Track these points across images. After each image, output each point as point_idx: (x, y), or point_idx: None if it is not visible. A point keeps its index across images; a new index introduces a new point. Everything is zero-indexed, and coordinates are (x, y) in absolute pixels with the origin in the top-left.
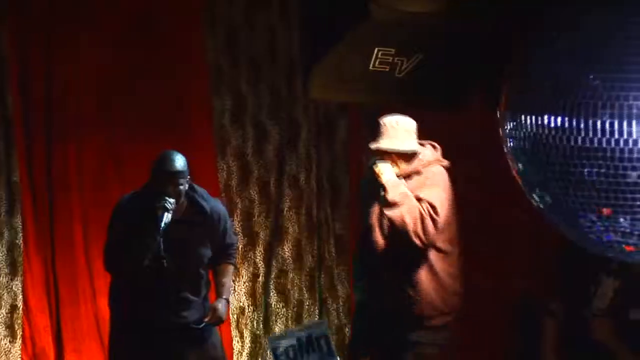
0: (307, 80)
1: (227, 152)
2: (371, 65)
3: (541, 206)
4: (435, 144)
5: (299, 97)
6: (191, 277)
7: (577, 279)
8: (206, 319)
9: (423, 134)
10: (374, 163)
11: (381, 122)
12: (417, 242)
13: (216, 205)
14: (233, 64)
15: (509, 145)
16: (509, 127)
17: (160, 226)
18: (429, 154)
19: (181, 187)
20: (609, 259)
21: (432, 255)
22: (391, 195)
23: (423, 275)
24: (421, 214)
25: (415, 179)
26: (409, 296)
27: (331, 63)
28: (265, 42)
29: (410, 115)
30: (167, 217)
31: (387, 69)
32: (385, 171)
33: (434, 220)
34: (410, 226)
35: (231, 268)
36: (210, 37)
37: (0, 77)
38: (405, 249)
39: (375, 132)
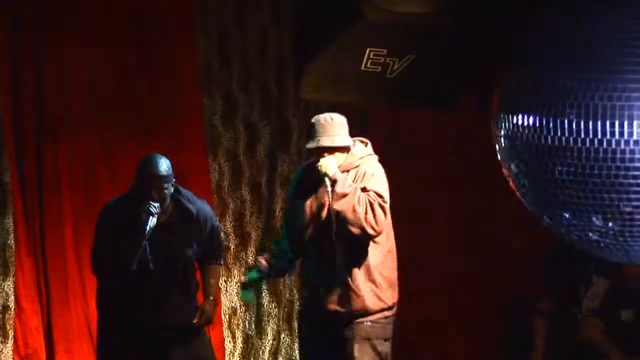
0: (298, 81)
1: (219, 153)
2: (363, 65)
3: (532, 206)
4: (365, 140)
5: (291, 97)
6: (179, 279)
7: (567, 279)
8: (195, 320)
9: (415, 134)
10: (315, 160)
11: (314, 120)
12: (371, 231)
13: (202, 207)
14: (224, 64)
15: (500, 145)
16: (500, 127)
17: (145, 230)
18: (361, 149)
19: (165, 191)
20: (599, 259)
21: (369, 247)
22: (340, 188)
23: (359, 269)
24: (371, 203)
25: (352, 172)
26: (346, 291)
27: (323, 63)
28: (256, 42)
29: (403, 115)
30: (152, 221)
31: (378, 70)
32: (332, 165)
33: (383, 208)
34: (362, 215)
35: (219, 269)
36: (201, 38)
37: None
38: (345, 243)
39: (309, 131)
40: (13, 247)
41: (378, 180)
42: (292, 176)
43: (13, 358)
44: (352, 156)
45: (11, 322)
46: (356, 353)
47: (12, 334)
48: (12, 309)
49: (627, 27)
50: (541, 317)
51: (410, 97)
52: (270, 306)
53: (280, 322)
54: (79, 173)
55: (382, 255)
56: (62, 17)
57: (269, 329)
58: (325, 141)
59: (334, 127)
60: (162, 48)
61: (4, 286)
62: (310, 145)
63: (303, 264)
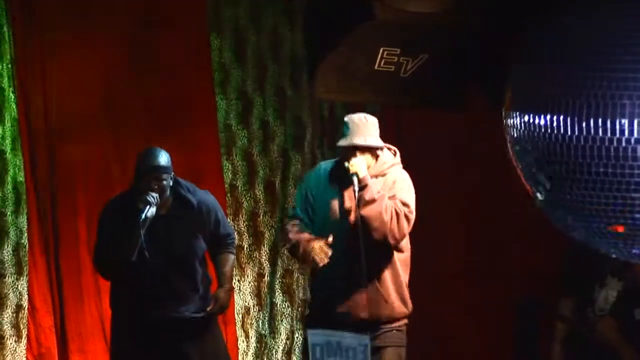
0: (312, 80)
1: (233, 152)
2: (376, 65)
3: (545, 205)
4: (394, 148)
5: (304, 97)
6: (185, 271)
7: (582, 280)
8: (209, 308)
9: (427, 134)
10: (346, 160)
11: (348, 119)
12: (392, 240)
13: (204, 197)
14: (238, 64)
15: (512, 144)
16: (511, 126)
17: (139, 221)
18: (390, 157)
19: (164, 182)
20: (613, 259)
21: (394, 255)
22: (369, 194)
23: (386, 274)
24: (397, 212)
25: (380, 180)
26: (375, 297)
27: (336, 63)
28: (270, 42)
29: (415, 115)
30: (150, 211)
31: (392, 69)
32: (363, 167)
33: (408, 219)
34: (387, 224)
35: (231, 257)
36: (215, 37)
37: (5, 77)
38: (371, 249)
39: (344, 129)
40: (27, 246)
41: (406, 189)
42: (309, 172)
43: (27, 357)
44: (381, 163)
45: (25, 321)
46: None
47: (26, 333)
48: (26, 308)
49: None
50: (562, 321)
51: (424, 96)
52: (284, 305)
53: (294, 322)
54: (92, 172)
55: (405, 259)
56: (76, 16)
57: (282, 328)
58: (358, 140)
59: (368, 127)
60: (176, 48)
61: (17, 285)
62: (343, 143)
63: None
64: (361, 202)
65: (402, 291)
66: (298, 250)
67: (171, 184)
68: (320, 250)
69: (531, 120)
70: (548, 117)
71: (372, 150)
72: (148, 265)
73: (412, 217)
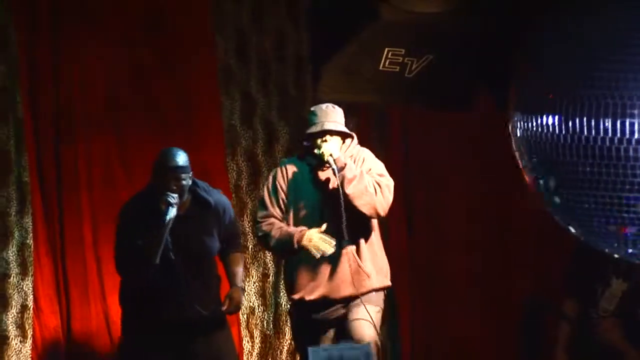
0: (316, 81)
1: (237, 152)
2: (381, 65)
3: (550, 205)
4: (352, 133)
5: (309, 97)
6: (201, 271)
7: (586, 280)
8: (224, 308)
9: (432, 134)
10: (316, 147)
11: (316, 107)
12: (381, 212)
13: (219, 197)
14: (242, 64)
15: (517, 144)
16: (517, 127)
17: (165, 221)
18: (352, 140)
19: (184, 182)
20: (618, 260)
21: (372, 233)
22: (350, 172)
23: (367, 253)
24: (378, 184)
25: (350, 160)
26: (358, 275)
27: (341, 63)
28: (274, 42)
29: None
30: (171, 211)
31: (397, 69)
32: (337, 150)
33: (388, 187)
34: (374, 197)
35: (241, 256)
36: (219, 37)
37: (9, 77)
38: (353, 229)
39: (312, 117)
40: (32, 246)
41: (375, 161)
42: (274, 171)
43: (32, 357)
44: (347, 146)
45: (30, 321)
46: (364, 315)
47: (31, 333)
48: (31, 309)
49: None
50: (566, 321)
51: (429, 97)
52: (288, 305)
53: None
54: (97, 173)
55: (378, 235)
56: (80, 17)
57: (286, 328)
58: (330, 125)
59: (337, 114)
60: (180, 48)
61: (22, 286)
62: (315, 128)
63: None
64: (345, 182)
65: (383, 265)
66: (290, 245)
67: (190, 183)
68: (323, 240)
69: (535, 121)
70: (551, 117)
71: (341, 136)
72: (166, 264)
73: (392, 182)
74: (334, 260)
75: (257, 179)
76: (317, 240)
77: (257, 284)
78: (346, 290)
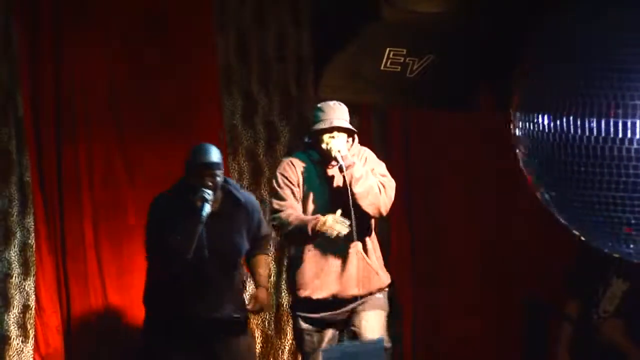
0: (317, 80)
1: (239, 152)
2: (382, 65)
3: (552, 205)
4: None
5: (310, 97)
6: (230, 269)
7: (588, 281)
8: (249, 307)
9: (433, 134)
10: (323, 142)
11: (323, 104)
12: (384, 212)
13: (249, 196)
14: (243, 64)
15: (519, 144)
16: (519, 127)
17: (201, 217)
18: (352, 139)
19: (218, 178)
20: (618, 260)
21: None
22: (358, 170)
23: (372, 249)
24: (382, 184)
25: (354, 157)
26: (368, 273)
27: (342, 63)
28: (275, 42)
29: (422, 115)
30: (207, 207)
31: (398, 69)
32: (344, 147)
33: (391, 187)
34: (379, 197)
35: (267, 259)
36: (220, 37)
37: (10, 77)
38: (361, 226)
39: (318, 114)
40: (33, 246)
41: (377, 161)
42: (287, 163)
43: (33, 357)
44: (351, 144)
45: (32, 321)
46: (373, 321)
47: (33, 333)
48: (33, 308)
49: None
50: (568, 322)
51: (430, 97)
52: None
53: None
54: (98, 172)
55: (375, 234)
56: (81, 16)
57: (288, 328)
58: (339, 122)
59: (343, 111)
60: (182, 48)
61: (24, 285)
62: (323, 125)
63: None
64: (353, 180)
65: (382, 263)
66: (306, 230)
67: (222, 180)
68: (336, 221)
69: (537, 121)
70: (553, 117)
71: (348, 134)
72: (197, 261)
73: (394, 183)
74: (343, 258)
75: (258, 178)
76: (332, 222)
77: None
78: (355, 289)
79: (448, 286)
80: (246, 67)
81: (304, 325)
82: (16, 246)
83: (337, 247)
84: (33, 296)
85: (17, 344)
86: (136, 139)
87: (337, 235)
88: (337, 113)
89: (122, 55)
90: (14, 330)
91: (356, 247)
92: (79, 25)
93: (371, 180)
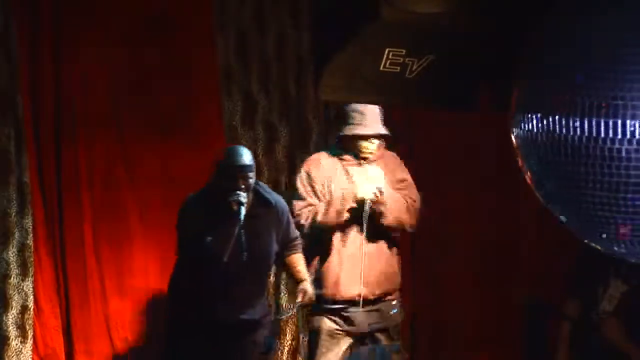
0: (317, 81)
1: None
2: (382, 66)
3: (551, 206)
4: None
5: (310, 98)
6: (259, 273)
7: (587, 281)
8: (299, 300)
9: (434, 135)
10: (358, 148)
11: (364, 107)
12: (409, 229)
13: (279, 198)
14: (243, 65)
15: (518, 144)
16: (519, 127)
17: (240, 220)
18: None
19: (251, 180)
20: (618, 260)
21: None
22: (391, 202)
23: (394, 249)
24: (409, 206)
25: (380, 162)
26: (386, 271)
27: (341, 64)
28: (275, 43)
29: (422, 115)
30: (243, 210)
31: (397, 70)
32: (382, 180)
33: (418, 204)
34: (406, 220)
35: (302, 257)
36: (220, 38)
37: (10, 77)
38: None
39: (356, 116)
40: (32, 247)
41: (407, 174)
42: (316, 159)
43: (32, 358)
44: (378, 148)
45: (30, 322)
46: (395, 336)
47: (32, 333)
48: (31, 309)
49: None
50: (567, 322)
51: (430, 97)
52: (289, 306)
53: (299, 323)
54: (98, 173)
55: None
56: (81, 17)
57: (287, 329)
58: (382, 130)
59: (379, 116)
60: (182, 47)
61: (23, 286)
62: (365, 130)
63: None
64: (386, 194)
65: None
66: (327, 219)
67: (254, 182)
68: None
69: (536, 121)
70: (552, 117)
71: (386, 139)
72: (237, 264)
73: (414, 190)
74: (367, 258)
75: (258, 178)
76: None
77: None
78: (380, 289)
79: (448, 286)
80: (246, 67)
81: (326, 325)
82: (14, 247)
83: (361, 247)
84: (31, 297)
85: (16, 344)
86: (136, 139)
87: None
88: (377, 118)
89: (122, 56)
90: (12, 331)
91: (380, 246)
92: (78, 25)
93: (400, 198)
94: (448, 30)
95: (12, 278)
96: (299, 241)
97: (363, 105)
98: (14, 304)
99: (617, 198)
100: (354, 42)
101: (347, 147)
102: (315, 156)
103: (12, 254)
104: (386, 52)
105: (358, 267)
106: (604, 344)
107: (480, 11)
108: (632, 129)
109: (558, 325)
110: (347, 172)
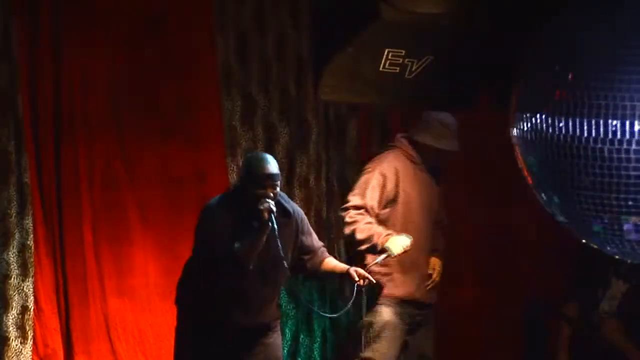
0: (317, 81)
1: (238, 153)
2: (381, 66)
3: (551, 207)
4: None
5: (309, 98)
6: (277, 279)
7: (587, 282)
8: (359, 282)
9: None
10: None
11: (449, 121)
12: None
13: (296, 207)
14: (243, 65)
15: (518, 145)
16: (519, 128)
17: (275, 229)
18: None
19: (277, 189)
20: (618, 261)
21: None
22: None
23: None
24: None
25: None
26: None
27: (341, 64)
28: (275, 43)
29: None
30: (273, 218)
31: (397, 70)
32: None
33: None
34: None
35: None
36: (220, 38)
37: (10, 77)
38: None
39: (444, 130)
40: (32, 247)
41: None
42: (391, 164)
43: (32, 358)
44: None
45: (30, 322)
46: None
47: (32, 334)
48: (31, 310)
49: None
50: (567, 323)
51: (429, 97)
52: (289, 307)
53: (299, 323)
54: (98, 173)
55: None
56: (81, 17)
57: (287, 330)
58: (456, 145)
59: (456, 131)
60: (182, 48)
61: (23, 287)
62: (448, 147)
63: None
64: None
65: None
66: (374, 242)
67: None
68: (402, 245)
69: (535, 121)
70: (551, 117)
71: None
72: (251, 271)
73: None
74: (424, 265)
75: None
76: (398, 244)
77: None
78: (431, 297)
79: (449, 286)
80: (246, 68)
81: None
82: (15, 247)
83: (425, 255)
84: (32, 297)
85: (16, 345)
86: (136, 139)
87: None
88: (454, 133)
89: (121, 56)
90: (12, 332)
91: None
92: (78, 26)
93: None
94: (447, 30)
95: (12, 279)
96: (325, 247)
97: (448, 116)
98: (14, 305)
99: (624, 199)
100: (354, 42)
101: (424, 154)
102: (390, 157)
103: (12, 255)
104: (386, 52)
105: (415, 271)
106: (604, 344)
107: (479, 12)
108: (633, 129)
109: (558, 326)
110: (417, 175)
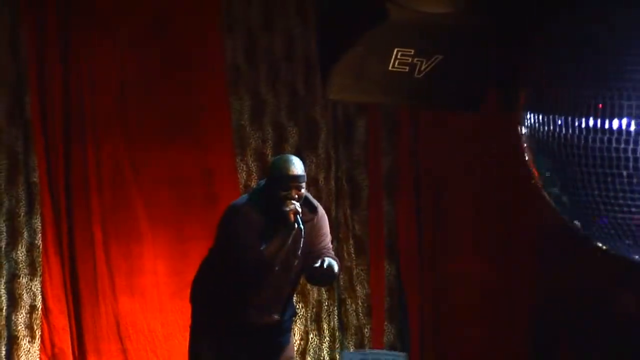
0: (325, 81)
1: (247, 153)
2: (390, 65)
3: (558, 205)
4: None
5: (318, 97)
6: (296, 278)
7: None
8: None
9: (442, 135)
10: None
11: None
12: None
13: (319, 204)
14: (251, 65)
15: (526, 144)
16: (526, 126)
17: (302, 230)
18: None
19: (303, 190)
20: (624, 257)
21: None
22: None
23: None
24: None
25: None
26: None
27: (350, 64)
28: (283, 42)
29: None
30: (299, 220)
31: (406, 70)
32: None
33: None
34: None
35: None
36: (228, 38)
37: (19, 78)
38: None
39: None
40: (40, 247)
41: None
42: None
43: (40, 357)
44: None
45: (38, 321)
46: None
47: (40, 333)
48: (40, 309)
49: None
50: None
51: (438, 97)
52: (298, 306)
53: (309, 323)
54: (106, 173)
55: None
56: (89, 17)
57: (296, 329)
58: None
59: None
60: (190, 48)
61: (31, 286)
62: None
63: None
64: None
65: None
66: None
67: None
68: None
69: (544, 120)
70: (558, 117)
71: None
72: (276, 272)
73: None
74: None
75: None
76: None
77: None
78: None
79: (456, 288)
80: (254, 68)
81: None
82: (23, 247)
83: None
84: (40, 297)
85: (24, 344)
86: (144, 139)
87: None
88: None
89: (130, 56)
90: (21, 331)
91: None
92: (86, 27)
93: None
94: (456, 30)
95: (21, 278)
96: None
97: None
98: (23, 304)
99: (630, 198)
100: (362, 42)
101: None
102: None
103: (21, 254)
104: (394, 52)
105: None
106: (618, 317)
107: (487, 11)
108: (637, 128)
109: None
110: None
